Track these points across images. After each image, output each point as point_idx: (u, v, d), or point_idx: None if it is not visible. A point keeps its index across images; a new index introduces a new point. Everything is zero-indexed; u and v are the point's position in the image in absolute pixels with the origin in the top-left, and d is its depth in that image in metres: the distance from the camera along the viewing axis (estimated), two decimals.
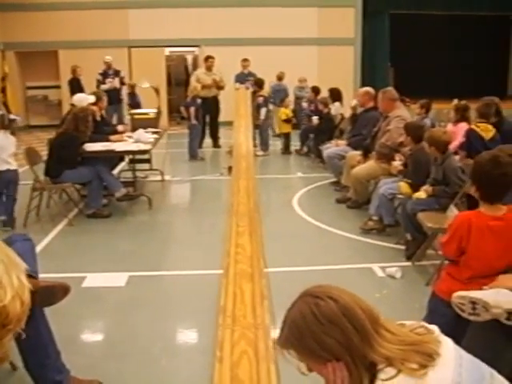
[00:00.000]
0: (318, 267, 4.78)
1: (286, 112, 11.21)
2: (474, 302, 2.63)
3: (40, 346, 2.90)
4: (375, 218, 5.89)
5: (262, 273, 4.56)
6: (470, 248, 2.94)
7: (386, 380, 1.44)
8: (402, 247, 5.28)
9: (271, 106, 11.71)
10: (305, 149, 10.80)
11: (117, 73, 12.45)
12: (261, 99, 11.08)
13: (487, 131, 5.71)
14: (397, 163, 5.76)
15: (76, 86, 12.46)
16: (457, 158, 5.47)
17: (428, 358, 1.47)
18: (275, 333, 3.51)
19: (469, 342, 2.41)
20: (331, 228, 6.06)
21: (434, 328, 1.62)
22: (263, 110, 11.05)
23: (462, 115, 6.77)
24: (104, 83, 11.97)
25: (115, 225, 6.35)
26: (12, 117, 6.69)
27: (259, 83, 11.05)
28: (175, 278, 4.77)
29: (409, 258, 5.06)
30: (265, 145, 11.15)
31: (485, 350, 2.35)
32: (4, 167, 6.09)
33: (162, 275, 4.85)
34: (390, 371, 1.45)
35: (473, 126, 5.90)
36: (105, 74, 12.33)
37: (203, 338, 3.65)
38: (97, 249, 5.49)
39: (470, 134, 5.74)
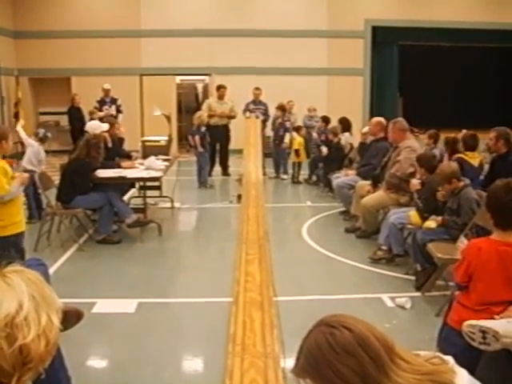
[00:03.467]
0: (328, 296, 4.78)
1: (300, 142, 11.26)
2: (484, 331, 2.64)
3: (51, 370, 2.91)
4: (384, 247, 5.89)
5: (271, 301, 4.57)
6: (477, 272, 2.98)
7: None
8: (412, 277, 5.27)
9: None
10: (314, 178, 10.84)
11: (114, 101, 12.56)
12: (288, 123, 11.25)
13: (474, 158, 6.36)
14: (415, 181, 5.77)
15: (75, 115, 12.62)
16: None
17: None
18: (285, 362, 3.52)
19: (480, 373, 2.41)
20: (340, 257, 6.06)
21: (449, 358, 1.63)
22: (287, 136, 11.21)
23: (452, 148, 6.85)
24: (101, 110, 12.07)
25: (125, 251, 6.38)
26: (47, 134, 7.78)
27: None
28: (184, 305, 4.78)
29: (418, 289, 5.04)
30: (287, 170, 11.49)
31: (496, 381, 2.35)
32: (33, 168, 7.00)
33: (172, 302, 4.86)
34: None
35: (461, 156, 6.27)
36: (102, 102, 12.47)
37: (213, 365, 3.65)
38: (107, 275, 5.51)
39: (462, 162, 5.90)
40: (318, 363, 1.53)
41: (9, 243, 4.84)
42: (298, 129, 11.70)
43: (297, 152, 11.21)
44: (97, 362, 3.82)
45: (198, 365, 3.78)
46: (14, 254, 4.80)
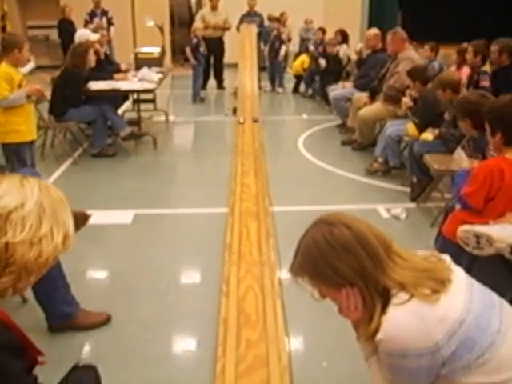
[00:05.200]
0: (323, 207, 4.78)
1: (306, 61, 11.00)
2: (478, 236, 2.66)
3: (49, 278, 2.93)
4: (381, 159, 5.88)
5: (267, 211, 4.60)
6: (501, 194, 2.91)
7: (399, 304, 1.47)
8: (407, 189, 5.28)
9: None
10: (309, 91, 10.70)
11: (105, 13, 12.14)
12: (284, 36, 10.98)
13: None
14: (407, 99, 5.70)
15: (66, 28, 12.20)
16: None
17: (440, 284, 1.49)
18: (281, 269, 3.57)
19: (474, 278, 2.44)
20: (336, 169, 6.05)
21: (446, 257, 1.64)
22: (283, 48, 10.97)
23: (463, 58, 6.66)
24: (91, 23, 11.69)
25: (120, 164, 6.35)
26: None
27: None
28: (181, 216, 4.79)
29: (413, 200, 5.06)
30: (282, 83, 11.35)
31: (489, 285, 2.38)
32: None
33: (168, 213, 4.87)
34: (403, 296, 1.47)
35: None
36: (92, 14, 12.05)
37: (209, 273, 3.69)
38: (102, 187, 5.51)
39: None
40: (315, 260, 1.53)
41: (10, 151, 4.80)
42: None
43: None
44: (95, 271, 3.86)
45: (195, 273, 3.83)
46: (16, 163, 4.78)
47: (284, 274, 3.57)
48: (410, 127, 5.35)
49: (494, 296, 1.63)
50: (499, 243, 2.67)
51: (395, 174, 5.79)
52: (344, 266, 1.49)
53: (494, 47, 5.69)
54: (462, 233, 2.75)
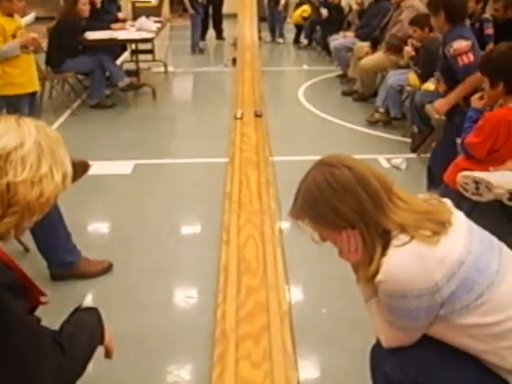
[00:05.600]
0: None
1: (307, 10, 10.80)
2: (477, 182, 2.66)
3: (50, 227, 2.95)
4: (382, 110, 5.83)
5: (267, 161, 4.60)
6: (507, 146, 2.89)
7: (399, 246, 1.47)
8: (408, 140, 5.26)
9: None
10: (305, 41, 10.60)
11: None
12: None
13: None
14: (409, 49, 5.61)
15: None
16: None
17: (441, 226, 1.49)
18: (281, 218, 3.57)
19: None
20: (337, 120, 6.01)
21: (447, 201, 1.63)
22: None
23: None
24: None
25: (119, 115, 6.30)
26: None
27: None
28: (181, 165, 4.78)
29: (414, 151, 5.04)
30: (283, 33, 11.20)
31: (489, 229, 2.38)
32: None
33: (168, 163, 4.86)
34: (403, 238, 1.47)
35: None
36: None
37: (210, 222, 3.70)
38: (101, 138, 5.48)
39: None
40: (316, 202, 1.52)
41: (8, 104, 4.74)
42: None
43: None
44: (95, 221, 3.87)
45: (195, 222, 3.83)
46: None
47: (284, 223, 3.58)
48: (412, 77, 5.29)
49: (494, 239, 1.63)
50: (498, 189, 2.67)
51: (396, 124, 5.76)
52: (345, 208, 1.49)
53: (497, 4, 5.60)
54: (462, 178, 2.76)
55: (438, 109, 4.15)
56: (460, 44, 3.85)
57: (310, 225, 1.59)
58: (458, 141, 3.19)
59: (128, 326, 2.70)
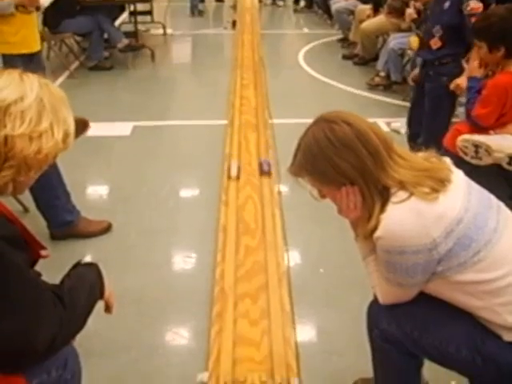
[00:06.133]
0: None
1: None
2: (477, 146, 2.66)
3: (50, 187, 2.95)
4: (382, 74, 5.79)
5: (266, 124, 4.58)
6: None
7: (398, 202, 1.47)
8: (408, 104, 5.21)
9: None
10: (302, 3, 10.48)
11: None
12: None
13: None
14: (411, 11, 5.53)
15: None
16: None
17: (440, 183, 1.49)
18: (280, 180, 3.58)
19: None
20: (337, 83, 5.97)
21: (446, 159, 1.63)
22: None
23: None
24: None
25: (118, 77, 6.25)
26: None
27: None
28: (180, 127, 4.77)
29: None
30: None
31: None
32: None
33: (167, 125, 4.84)
34: (402, 195, 1.48)
35: None
36: None
37: (209, 183, 3.70)
38: (100, 100, 5.44)
39: None
40: (316, 158, 1.52)
41: (3, 63, 4.69)
42: None
43: None
44: (94, 181, 3.86)
45: (194, 183, 3.83)
46: None
47: (283, 185, 3.59)
48: (413, 40, 5.22)
49: (492, 197, 1.64)
50: (498, 153, 2.67)
51: (396, 88, 5.72)
52: (344, 164, 1.49)
53: None
54: (462, 142, 2.75)
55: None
56: (477, 4, 3.76)
57: (310, 181, 1.59)
58: (461, 110, 3.15)
59: (127, 285, 2.72)
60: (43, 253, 1.45)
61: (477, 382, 1.64)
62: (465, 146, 2.73)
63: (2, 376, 1.35)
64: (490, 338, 1.54)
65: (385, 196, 1.50)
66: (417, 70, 4.10)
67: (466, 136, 2.75)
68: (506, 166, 2.70)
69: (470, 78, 3.05)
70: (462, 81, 3.70)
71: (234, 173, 3.62)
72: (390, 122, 4.80)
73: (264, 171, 3.69)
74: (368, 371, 1.97)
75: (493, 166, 2.75)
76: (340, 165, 1.49)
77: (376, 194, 1.51)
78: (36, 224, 3.10)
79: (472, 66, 3.06)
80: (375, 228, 1.49)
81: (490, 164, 2.74)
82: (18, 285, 1.30)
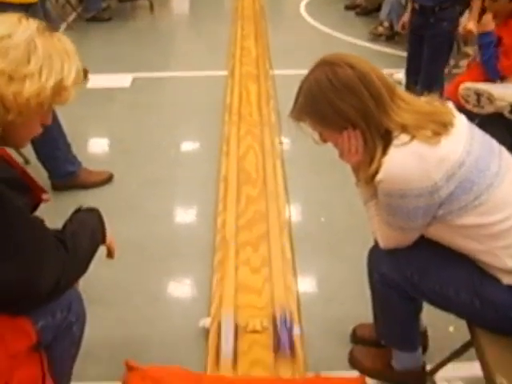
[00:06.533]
0: None
1: None
2: (479, 94, 2.64)
3: (50, 138, 2.94)
4: (386, 24, 5.69)
5: (267, 74, 4.53)
6: None
7: (400, 146, 1.46)
8: None
9: None
10: None
11: None
12: None
13: None
14: None
15: None
16: None
17: (442, 127, 1.48)
18: (281, 132, 3.56)
19: None
20: (339, 34, 5.88)
21: (449, 103, 1.62)
22: None
23: None
24: None
25: (116, 29, 6.15)
26: None
27: None
28: (180, 79, 4.71)
29: None
30: None
31: None
32: None
33: (167, 76, 4.77)
34: (404, 138, 1.46)
35: None
36: None
37: (209, 134, 3.68)
38: (99, 52, 5.36)
39: None
40: (317, 101, 1.50)
41: None
42: None
43: None
44: (95, 133, 3.84)
45: (194, 134, 3.78)
46: None
47: (284, 136, 3.57)
48: None
49: (494, 142, 1.62)
50: (500, 101, 2.65)
51: (399, 39, 5.63)
52: (346, 107, 1.47)
53: None
54: (464, 90, 2.73)
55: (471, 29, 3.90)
56: None
57: (311, 125, 1.58)
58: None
59: (129, 235, 2.74)
60: (44, 196, 1.45)
61: (475, 325, 1.67)
62: (467, 94, 2.70)
63: (8, 317, 1.37)
64: (489, 282, 1.56)
65: (387, 139, 1.49)
66: (406, 17, 4.02)
67: (468, 84, 2.72)
68: (507, 115, 2.68)
69: (483, 34, 2.98)
70: (472, 25, 3.65)
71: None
72: (392, 73, 4.74)
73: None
74: (368, 318, 2.01)
75: (494, 114, 2.73)
76: (342, 107, 1.47)
77: (378, 138, 1.49)
78: (37, 175, 3.05)
79: (487, 19, 3.00)
80: (377, 172, 1.48)
81: (492, 113, 2.72)
82: (20, 227, 1.29)
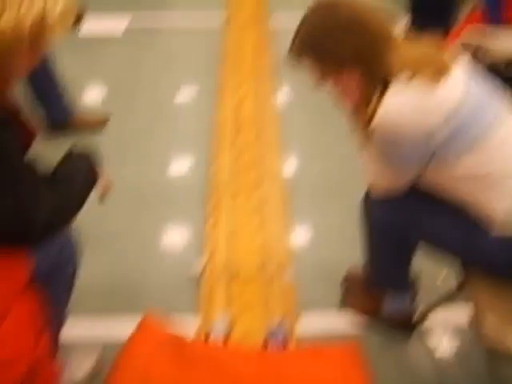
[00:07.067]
0: None
1: None
2: (476, 47, 2.61)
3: (46, 80, 2.95)
4: None
5: (266, 19, 4.41)
6: None
7: (397, 91, 1.44)
8: None
9: None
10: None
11: None
12: None
13: None
14: None
15: None
16: None
17: (441, 70, 1.46)
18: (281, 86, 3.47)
19: None
20: None
21: (454, 45, 1.60)
22: None
23: None
24: None
25: None
26: None
27: None
28: (175, 23, 4.53)
29: None
30: None
31: None
32: None
33: (163, 17, 4.56)
34: (403, 81, 1.45)
35: None
36: None
37: (206, 83, 3.59)
38: None
39: None
40: (316, 41, 1.49)
41: None
42: None
43: None
44: (90, 80, 3.74)
45: (189, 81, 3.66)
46: None
47: (284, 85, 3.51)
48: None
49: (495, 88, 1.60)
50: (496, 54, 2.62)
51: None
52: (346, 46, 1.46)
53: None
54: (461, 44, 2.69)
55: None
56: None
57: (309, 65, 1.55)
58: None
59: (125, 181, 2.75)
60: (35, 133, 1.45)
61: (468, 268, 1.69)
62: (464, 48, 2.67)
63: (5, 253, 1.38)
64: (481, 230, 1.56)
65: (384, 83, 1.48)
66: None
67: (466, 36, 2.69)
68: (503, 70, 2.66)
69: None
70: None
71: None
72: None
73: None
74: (360, 264, 2.03)
75: (491, 68, 2.71)
76: (341, 47, 1.46)
77: (375, 80, 1.48)
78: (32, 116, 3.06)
79: None
80: (373, 115, 1.48)
81: (488, 66, 2.70)
82: (10, 163, 1.30)
